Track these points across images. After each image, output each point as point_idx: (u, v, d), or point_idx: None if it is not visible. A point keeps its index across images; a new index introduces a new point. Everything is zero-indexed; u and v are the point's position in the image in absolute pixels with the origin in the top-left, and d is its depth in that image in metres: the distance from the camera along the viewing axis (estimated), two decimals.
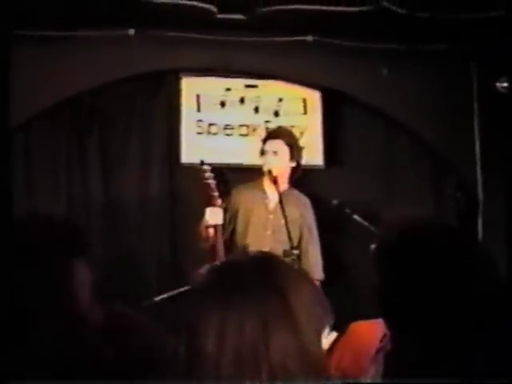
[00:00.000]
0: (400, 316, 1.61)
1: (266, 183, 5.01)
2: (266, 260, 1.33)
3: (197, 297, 1.27)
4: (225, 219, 4.82)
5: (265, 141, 5.06)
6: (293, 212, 4.85)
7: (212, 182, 4.69)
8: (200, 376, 1.18)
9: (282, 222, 4.71)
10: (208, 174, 4.70)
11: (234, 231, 5.00)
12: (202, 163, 4.76)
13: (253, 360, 1.18)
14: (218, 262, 1.34)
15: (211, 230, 4.73)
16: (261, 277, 1.27)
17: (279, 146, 4.96)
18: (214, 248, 4.70)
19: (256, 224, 4.94)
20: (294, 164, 5.02)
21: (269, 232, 4.91)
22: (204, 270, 1.36)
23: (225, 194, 5.00)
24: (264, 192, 5.02)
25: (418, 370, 1.54)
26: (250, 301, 1.23)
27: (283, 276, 1.28)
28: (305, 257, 4.84)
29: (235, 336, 1.20)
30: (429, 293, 1.57)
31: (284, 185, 4.96)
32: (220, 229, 4.72)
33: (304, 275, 1.37)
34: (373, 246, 1.74)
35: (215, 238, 4.70)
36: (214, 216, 4.70)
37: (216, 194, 4.71)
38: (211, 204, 4.71)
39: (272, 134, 5.12)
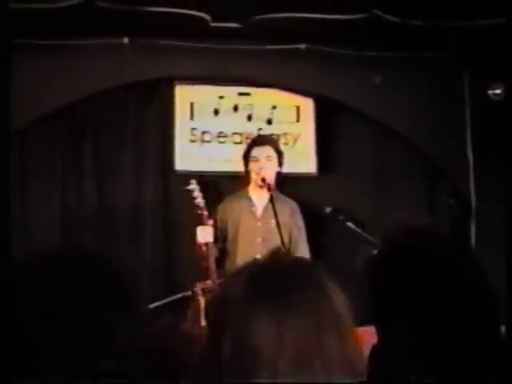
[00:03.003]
0: (392, 323, 1.63)
1: (252, 191, 5.05)
2: (305, 261, 1.37)
3: (243, 299, 1.26)
4: (216, 237, 4.85)
5: (251, 148, 5.06)
6: (282, 216, 4.87)
7: (200, 201, 4.73)
8: (253, 375, 1.18)
9: (271, 227, 4.79)
10: (196, 194, 4.73)
11: (224, 245, 5.02)
12: (190, 184, 4.79)
13: (308, 358, 1.19)
14: (254, 266, 1.32)
15: (204, 248, 4.75)
16: (306, 276, 1.28)
17: (270, 152, 5.00)
18: (207, 266, 4.73)
19: (245, 232, 4.97)
20: (279, 169, 5.07)
21: (259, 239, 4.94)
22: (239, 274, 1.33)
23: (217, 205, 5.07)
24: (250, 200, 5.06)
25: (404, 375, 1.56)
26: (302, 300, 1.23)
27: (325, 275, 1.30)
28: None
29: (292, 335, 1.20)
30: (424, 301, 1.58)
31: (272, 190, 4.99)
32: (211, 246, 4.75)
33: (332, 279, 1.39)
34: (372, 254, 1.76)
35: (208, 256, 4.73)
36: (204, 235, 4.74)
37: (205, 213, 4.75)
38: (201, 223, 4.75)
39: (260, 141, 5.15)
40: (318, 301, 1.24)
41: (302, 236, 5.10)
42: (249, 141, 5.55)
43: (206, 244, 4.74)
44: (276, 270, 1.30)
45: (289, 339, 1.19)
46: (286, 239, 4.85)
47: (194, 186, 4.77)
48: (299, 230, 5.09)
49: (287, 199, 5.15)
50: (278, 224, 4.70)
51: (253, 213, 5.03)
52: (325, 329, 1.21)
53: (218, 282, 4.63)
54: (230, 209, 5.06)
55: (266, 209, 4.97)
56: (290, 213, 5.07)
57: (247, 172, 5.08)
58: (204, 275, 4.70)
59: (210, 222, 4.80)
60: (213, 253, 4.76)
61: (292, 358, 1.18)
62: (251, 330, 1.20)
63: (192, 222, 4.89)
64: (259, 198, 5.02)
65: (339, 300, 1.28)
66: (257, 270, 1.32)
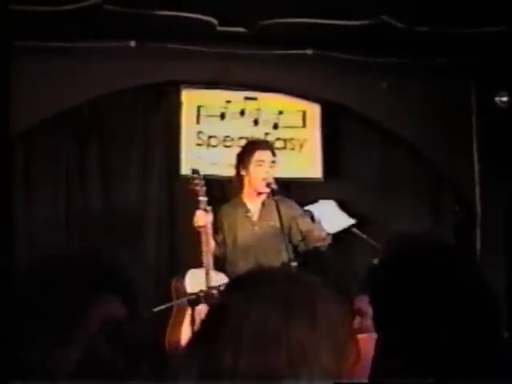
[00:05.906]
0: (393, 329, 1.63)
1: (246, 197, 5.03)
2: (288, 269, 1.38)
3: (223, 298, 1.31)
4: (216, 242, 4.87)
5: (254, 151, 4.97)
6: (283, 215, 4.84)
7: (199, 188, 4.70)
8: (216, 363, 1.18)
9: (268, 230, 4.88)
10: (197, 181, 4.71)
11: (225, 251, 5.02)
12: (194, 172, 4.78)
13: (272, 345, 1.18)
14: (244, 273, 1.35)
15: (201, 231, 4.73)
16: (283, 279, 1.30)
17: (273, 157, 4.97)
18: (201, 251, 4.72)
19: (243, 238, 4.97)
20: None
21: (257, 243, 4.93)
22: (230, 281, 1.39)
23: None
24: (245, 206, 5.04)
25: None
26: (274, 290, 1.25)
27: (305, 281, 1.31)
28: None
29: (254, 318, 1.20)
30: (424, 308, 1.59)
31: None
32: (209, 230, 4.73)
33: (329, 290, 1.38)
34: (375, 261, 1.76)
35: (205, 240, 4.71)
36: (202, 218, 4.72)
37: (203, 199, 4.72)
38: (199, 208, 4.73)
39: (262, 146, 5.07)
40: (294, 294, 1.25)
41: (307, 220, 5.08)
42: None
43: (203, 227, 4.72)
44: (261, 274, 1.33)
45: (250, 321, 1.20)
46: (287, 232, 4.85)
47: (196, 174, 4.75)
48: (302, 217, 5.06)
49: (284, 198, 5.08)
50: (281, 226, 4.70)
51: (248, 218, 5.02)
52: (295, 320, 1.21)
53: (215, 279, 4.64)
54: (226, 217, 5.04)
55: (260, 213, 4.98)
56: (289, 211, 5.00)
57: (241, 176, 5.03)
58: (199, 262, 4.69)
59: (209, 208, 4.76)
60: (210, 238, 4.73)
61: (253, 341, 1.18)
62: (218, 319, 1.23)
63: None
64: (253, 203, 5.02)
65: (327, 304, 1.27)
66: (243, 275, 1.35)
